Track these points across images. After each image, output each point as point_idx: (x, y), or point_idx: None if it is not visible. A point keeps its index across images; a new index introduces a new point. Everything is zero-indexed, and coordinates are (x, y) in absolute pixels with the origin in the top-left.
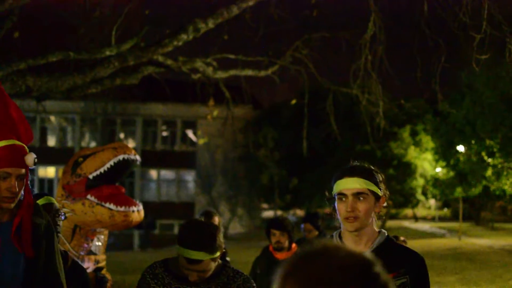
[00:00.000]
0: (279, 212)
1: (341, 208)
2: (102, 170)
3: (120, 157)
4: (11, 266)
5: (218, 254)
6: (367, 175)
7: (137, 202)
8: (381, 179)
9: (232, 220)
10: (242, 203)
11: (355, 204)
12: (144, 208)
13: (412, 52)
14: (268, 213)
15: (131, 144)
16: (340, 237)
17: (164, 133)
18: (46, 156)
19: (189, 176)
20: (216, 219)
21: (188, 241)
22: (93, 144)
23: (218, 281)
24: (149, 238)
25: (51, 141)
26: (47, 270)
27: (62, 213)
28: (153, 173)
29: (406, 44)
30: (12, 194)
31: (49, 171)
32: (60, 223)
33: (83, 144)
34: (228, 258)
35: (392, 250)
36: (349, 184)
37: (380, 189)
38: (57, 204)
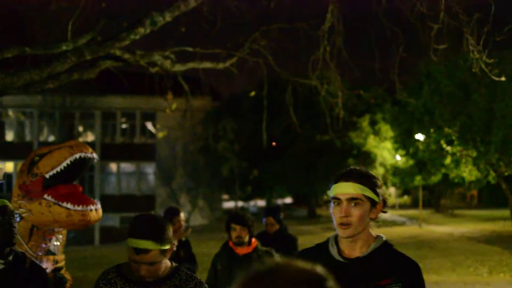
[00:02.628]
0: (240, 203)
1: (335, 213)
2: (58, 169)
3: (77, 155)
4: None
5: (167, 246)
6: (363, 181)
7: (95, 200)
8: (378, 184)
9: (193, 212)
10: (203, 195)
11: (349, 209)
12: (105, 201)
13: (370, 43)
14: (229, 204)
15: (90, 137)
16: (336, 240)
17: (124, 125)
18: (4, 151)
19: (149, 169)
20: (182, 216)
21: (136, 231)
22: (51, 138)
23: (170, 284)
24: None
25: (9, 136)
26: None
27: (17, 214)
28: (113, 166)
29: (365, 35)
30: None
31: (8, 166)
32: (16, 224)
33: (42, 138)
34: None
35: (386, 256)
36: (343, 189)
37: (377, 195)
38: (11, 206)
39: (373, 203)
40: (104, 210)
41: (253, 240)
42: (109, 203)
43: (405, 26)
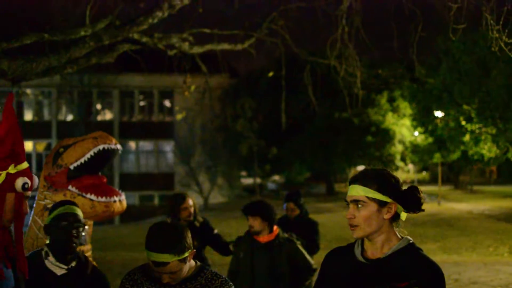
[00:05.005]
0: (258, 180)
1: (346, 215)
2: (82, 160)
3: (100, 147)
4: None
5: (186, 254)
6: (369, 182)
7: (120, 191)
8: (392, 183)
9: (212, 190)
10: (222, 173)
11: (355, 211)
12: (124, 180)
13: (389, 22)
14: (248, 181)
15: (108, 116)
16: (362, 241)
17: (142, 103)
18: (23, 131)
19: (168, 147)
20: (190, 201)
21: (152, 244)
22: (70, 118)
23: (196, 283)
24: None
25: (28, 115)
26: None
27: (83, 224)
28: (132, 145)
29: (383, 13)
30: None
31: (27, 146)
32: (80, 233)
33: (60, 117)
34: (216, 231)
35: (408, 259)
36: (350, 192)
37: (387, 195)
38: (80, 214)
39: (382, 204)
40: (123, 189)
41: (275, 227)
42: (128, 182)
43: (424, 5)
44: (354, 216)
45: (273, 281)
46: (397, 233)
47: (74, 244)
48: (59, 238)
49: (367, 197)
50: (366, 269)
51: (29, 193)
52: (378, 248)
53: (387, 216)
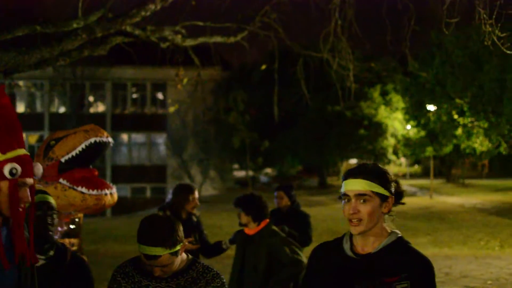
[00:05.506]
0: (250, 173)
1: (345, 210)
2: (74, 153)
3: (92, 140)
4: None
5: (177, 248)
6: (371, 176)
7: (111, 184)
8: (390, 178)
9: (204, 182)
10: (214, 166)
11: (358, 206)
12: (116, 172)
13: (382, 15)
14: (240, 174)
15: (101, 108)
16: (351, 236)
17: (134, 96)
18: None
19: (160, 139)
20: (196, 193)
21: (144, 237)
22: (62, 110)
23: (187, 276)
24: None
25: (20, 107)
26: None
27: (57, 211)
28: (124, 137)
29: (376, 7)
30: (24, 204)
31: None
32: (55, 221)
33: (53, 109)
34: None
35: (399, 253)
36: (352, 186)
37: (387, 189)
38: (52, 201)
39: (383, 198)
40: (115, 181)
41: (265, 220)
42: (120, 174)
43: None
44: (358, 210)
45: (256, 274)
46: (386, 227)
47: (50, 232)
48: (35, 228)
49: (372, 192)
50: (356, 265)
51: (29, 180)
52: (369, 243)
53: (385, 210)
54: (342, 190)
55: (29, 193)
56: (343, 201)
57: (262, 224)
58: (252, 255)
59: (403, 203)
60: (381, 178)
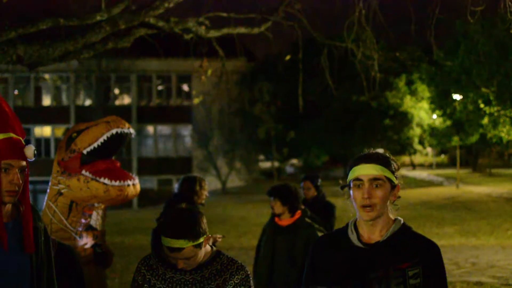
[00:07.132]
0: (276, 164)
1: (357, 195)
2: (95, 145)
3: (113, 131)
4: (18, 268)
5: (201, 240)
6: (384, 162)
7: (133, 175)
8: (396, 167)
9: (230, 174)
10: (240, 157)
11: (372, 190)
12: (142, 164)
13: (406, 4)
14: (266, 165)
15: (126, 100)
16: (355, 226)
17: (159, 88)
18: (42, 116)
19: (186, 131)
20: (205, 185)
21: (167, 230)
22: (88, 102)
23: (211, 268)
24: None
25: (46, 101)
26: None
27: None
28: (150, 129)
29: None
30: (15, 187)
31: (45, 131)
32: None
33: (78, 102)
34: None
35: (406, 239)
36: (366, 170)
37: (396, 177)
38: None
39: (392, 186)
40: (141, 173)
41: (298, 212)
42: (146, 166)
43: None
44: (371, 195)
45: (291, 265)
46: (390, 214)
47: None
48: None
49: (386, 177)
50: (367, 254)
51: (17, 162)
52: (377, 231)
53: (392, 198)
54: (353, 175)
55: (19, 176)
56: (352, 188)
57: (296, 215)
58: (285, 246)
59: (399, 196)
60: (391, 165)
